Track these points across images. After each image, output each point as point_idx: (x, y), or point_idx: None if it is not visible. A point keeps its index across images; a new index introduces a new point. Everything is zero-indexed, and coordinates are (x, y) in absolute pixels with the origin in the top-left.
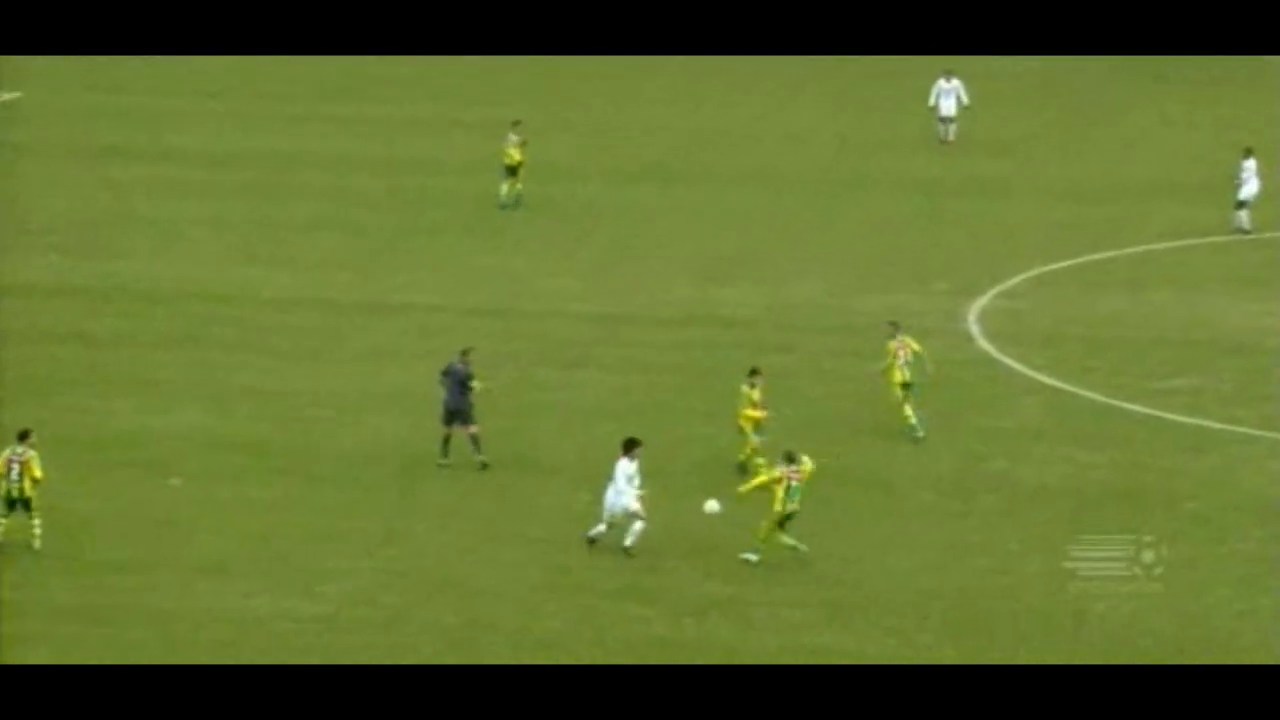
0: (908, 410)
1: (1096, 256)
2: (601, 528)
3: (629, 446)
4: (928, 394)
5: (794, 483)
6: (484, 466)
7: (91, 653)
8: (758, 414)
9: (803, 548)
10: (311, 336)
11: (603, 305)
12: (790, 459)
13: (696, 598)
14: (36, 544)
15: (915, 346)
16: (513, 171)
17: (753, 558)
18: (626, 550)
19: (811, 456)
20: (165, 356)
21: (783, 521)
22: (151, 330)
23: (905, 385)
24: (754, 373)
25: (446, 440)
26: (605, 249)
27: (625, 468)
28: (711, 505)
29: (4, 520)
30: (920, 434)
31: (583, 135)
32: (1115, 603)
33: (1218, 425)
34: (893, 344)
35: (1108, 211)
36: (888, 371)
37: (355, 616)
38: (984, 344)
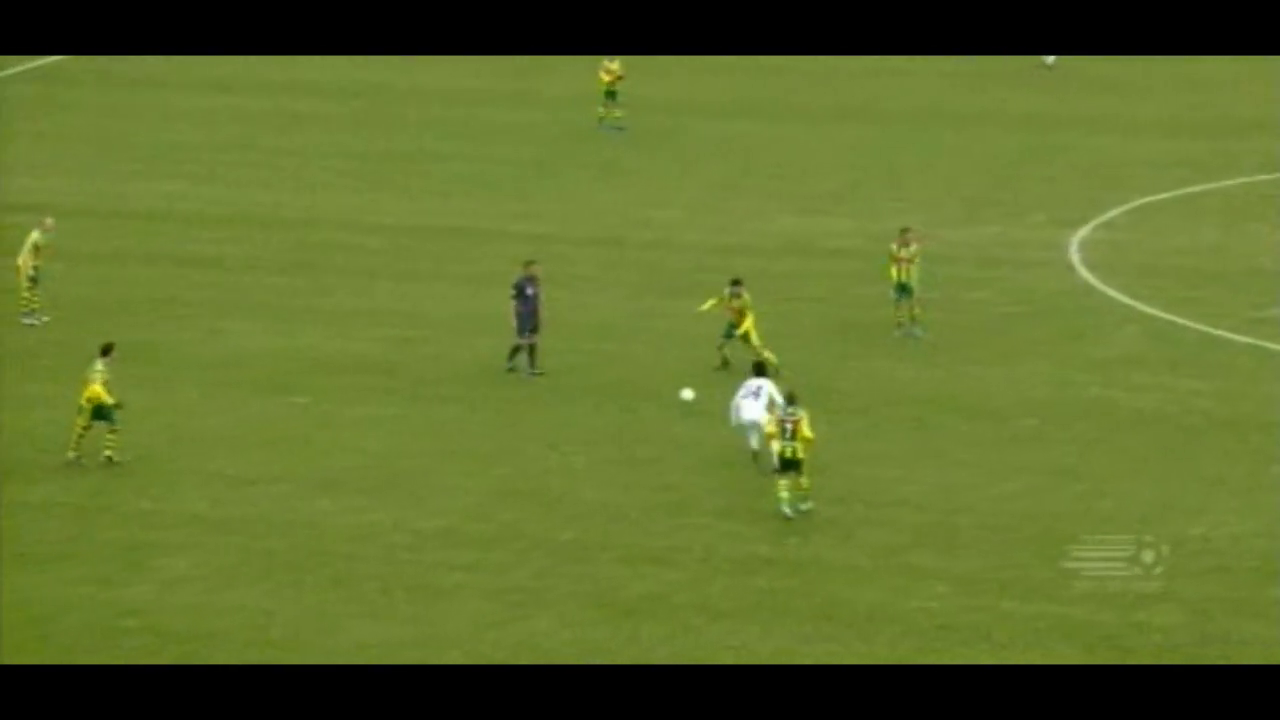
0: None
1: (1196, 189)
2: (754, 445)
3: (759, 369)
4: (1029, 323)
5: (788, 426)
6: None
7: (227, 561)
8: (712, 304)
9: (800, 507)
10: (426, 261)
11: (708, 236)
12: (790, 400)
13: (799, 518)
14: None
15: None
16: (610, 95)
17: (804, 506)
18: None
19: (900, 388)
20: (287, 280)
21: (783, 465)
22: (275, 255)
23: (903, 287)
24: (735, 283)
25: (524, 349)
26: (712, 182)
27: (754, 384)
28: (686, 394)
29: (111, 436)
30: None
31: (692, 71)
32: (1215, 527)
33: None
34: (910, 249)
35: (1208, 146)
36: (902, 273)
37: (469, 531)
38: (1085, 274)
